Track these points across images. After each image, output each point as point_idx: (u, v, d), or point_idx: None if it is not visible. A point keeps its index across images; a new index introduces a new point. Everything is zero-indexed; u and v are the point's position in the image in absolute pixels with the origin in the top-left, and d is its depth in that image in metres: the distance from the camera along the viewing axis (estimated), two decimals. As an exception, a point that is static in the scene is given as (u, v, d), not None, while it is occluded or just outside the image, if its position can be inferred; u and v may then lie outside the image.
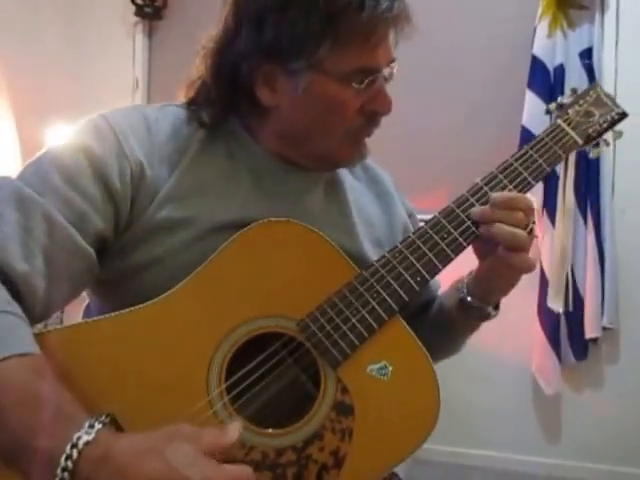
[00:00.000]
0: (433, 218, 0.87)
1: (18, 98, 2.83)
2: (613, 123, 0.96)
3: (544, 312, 2.54)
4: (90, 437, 0.61)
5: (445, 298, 1.00)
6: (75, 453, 0.60)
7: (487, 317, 0.95)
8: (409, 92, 2.35)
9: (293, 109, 0.87)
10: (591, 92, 0.98)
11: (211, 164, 0.89)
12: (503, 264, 0.87)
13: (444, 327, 1.00)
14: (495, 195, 0.86)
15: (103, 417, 0.64)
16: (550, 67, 2.56)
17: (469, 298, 0.93)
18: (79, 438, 0.61)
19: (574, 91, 0.99)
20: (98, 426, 0.62)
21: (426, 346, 0.81)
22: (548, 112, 0.99)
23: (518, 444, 2.68)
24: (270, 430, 0.76)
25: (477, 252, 0.92)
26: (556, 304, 2.44)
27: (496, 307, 0.95)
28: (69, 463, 0.60)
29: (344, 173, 1.00)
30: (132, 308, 0.77)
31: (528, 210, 0.86)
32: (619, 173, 2.54)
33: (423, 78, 2.71)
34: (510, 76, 2.68)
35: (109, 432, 0.63)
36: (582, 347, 2.56)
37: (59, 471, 0.60)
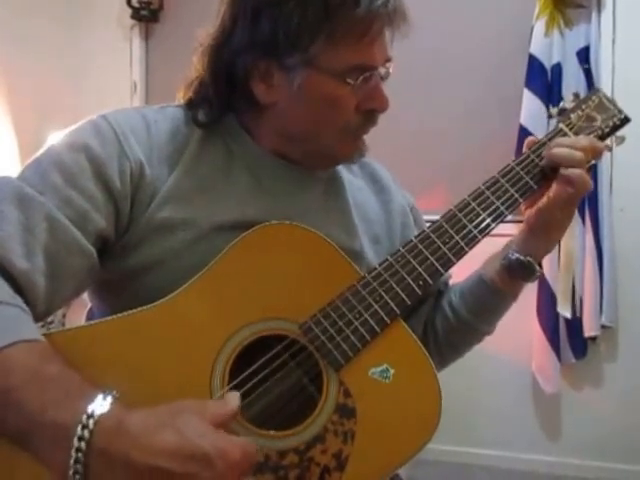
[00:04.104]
0: (435, 222, 0.88)
1: (17, 102, 2.83)
2: (615, 128, 0.96)
3: (543, 311, 2.55)
4: (104, 409, 0.61)
5: (482, 269, 0.99)
6: (91, 423, 0.60)
7: (532, 275, 0.94)
8: (407, 92, 2.36)
9: (289, 105, 0.87)
10: (593, 97, 0.98)
11: (210, 163, 0.89)
12: (561, 191, 0.89)
13: (485, 298, 0.98)
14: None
15: (114, 392, 0.64)
16: (547, 66, 2.56)
17: (517, 255, 0.93)
18: (94, 410, 0.61)
19: (576, 96, 0.99)
20: (111, 399, 0.63)
21: (457, 333, 0.81)
22: (550, 116, 0.99)
23: (518, 442, 2.69)
24: (273, 432, 0.76)
25: (526, 205, 0.94)
26: (565, 310, 2.45)
27: (539, 265, 0.96)
28: (85, 432, 0.60)
29: (342, 170, 1.00)
30: (134, 310, 0.77)
31: (590, 149, 0.90)
32: (618, 171, 2.54)
33: (421, 78, 2.72)
34: (508, 75, 2.68)
35: (121, 406, 0.63)
36: (581, 346, 2.57)
37: (75, 441, 0.60)
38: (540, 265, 0.95)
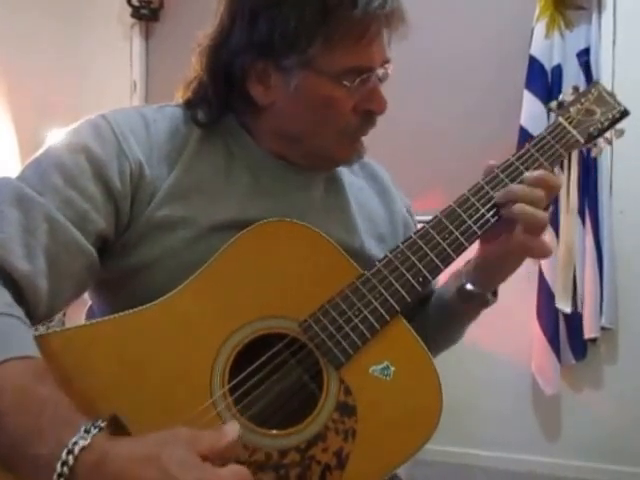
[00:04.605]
0: (435, 218, 0.87)
1: (17, 101, 2.83)
2: (615, 121, 0.96)
3: (543, 312, 2.55)
4: (86, 442, 0.60)
5: (444, 288, 1.00)
6: (71, 459, 0.59)
7: (486, 304, 0.95)
8: (408, 93, 2.36)
9: (286, 107, 0.87)
10: (593, 90, 0.98)
11: (209, 162, 0.89)
12: (517, 248, 0.87)
13: (444, 317, 1.00)
14: (528, 174, 0.87)
15: (99, 422, 0.63)
16: (548, 67, 2.57)
17: (469, 286, 0.93)
18: (75, 443, 0.60)
19: (576, 89, 0.99)
20: (94, 431, 0.61)
21: (427, 338, 0.82)
22: (549, 110, 0.99)
23: (518, 444, 2.69)
24: (273, 431, 0.76)
25: (484, 238, 0.90)
26: (564, 305, 2.45)
27: (494, 294, 0.95)
28: (65, 469, 0.59)
29: (343, 170, 1.00)
30: (134, 310, 0.77)
31: (554, 190, 0.87)
32: (618, 174, 2.54)
33: (421, 79, 2.72)
34: (508, 77, 2.68)
35: (105, 437, 0.62)
36: (581, 347, 2.57)
37: (55, 477, 0.59)
38: (495, 293, 0.95)
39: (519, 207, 0.84)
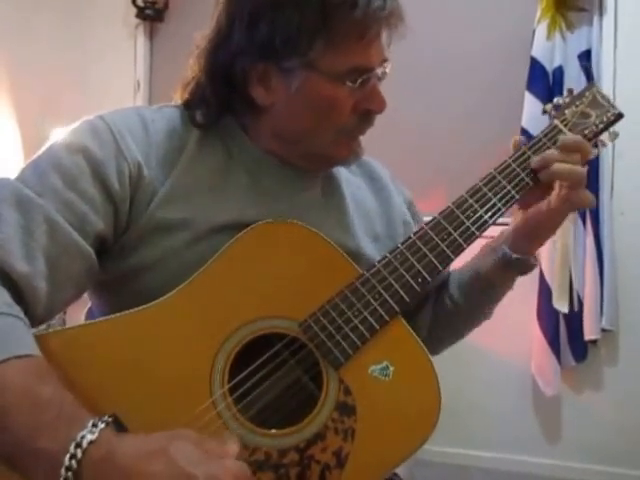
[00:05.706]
0: (433, 219, 0.88)
1: (21, 99, 2.84)
2: (609, 124, 0.96)
3: (543, 314, 2.55)
4: (94, 436, 0.61)
5: (479, 262, 1.00)
6: (79, 453, 0.60)
7: (529, 269, 0.96)
8: (409, 94, 2.36)
9: (287, 108, 0.88)
10: (587, 93, 0.98)
11: (208, 164, 0.89)
12: (560, 203, 0.89)
13: (482, 291, 1.00)
14: (563, 138, 0.91)
15: (106, 417, 0.64)
16: (549, 69, 2.56)
17: (514, 255, 0.94)
18: (83, 437, 0.61)
19: (570, 91, 0.99)
20: (101, 425, 0.62)
21: (451, 323, 0.82)
22: (544, 112, 0.99)
23: (518, 445, 2.68)
24: (273, 431, 0.76)
25: (522, 204, 0.94)
26: (561, 305, 2.45)
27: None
28: (73, 462, 0.59)
29: (340, 168, 1.00)
30: (134, 310, 0.77)
31: (586, 153, 0.90)
32: (618, 175, 2.54)
33: (423, 80, 2.72)
34: (509, 78, 2.68)
35: (112, 432, 0.63)
36: (581, 349, 2.56)
37: (63, 471, 0.59)
38: (535, 258, 0.97)
39: (557, 165, 0.88)
